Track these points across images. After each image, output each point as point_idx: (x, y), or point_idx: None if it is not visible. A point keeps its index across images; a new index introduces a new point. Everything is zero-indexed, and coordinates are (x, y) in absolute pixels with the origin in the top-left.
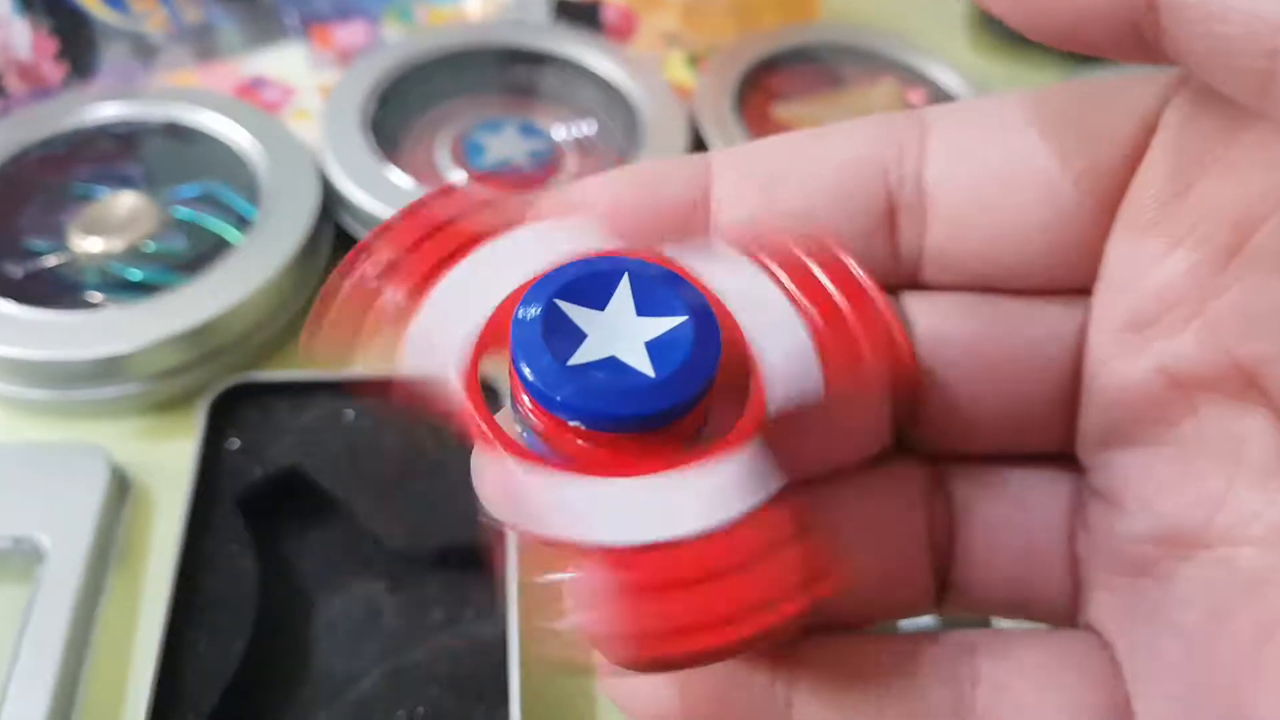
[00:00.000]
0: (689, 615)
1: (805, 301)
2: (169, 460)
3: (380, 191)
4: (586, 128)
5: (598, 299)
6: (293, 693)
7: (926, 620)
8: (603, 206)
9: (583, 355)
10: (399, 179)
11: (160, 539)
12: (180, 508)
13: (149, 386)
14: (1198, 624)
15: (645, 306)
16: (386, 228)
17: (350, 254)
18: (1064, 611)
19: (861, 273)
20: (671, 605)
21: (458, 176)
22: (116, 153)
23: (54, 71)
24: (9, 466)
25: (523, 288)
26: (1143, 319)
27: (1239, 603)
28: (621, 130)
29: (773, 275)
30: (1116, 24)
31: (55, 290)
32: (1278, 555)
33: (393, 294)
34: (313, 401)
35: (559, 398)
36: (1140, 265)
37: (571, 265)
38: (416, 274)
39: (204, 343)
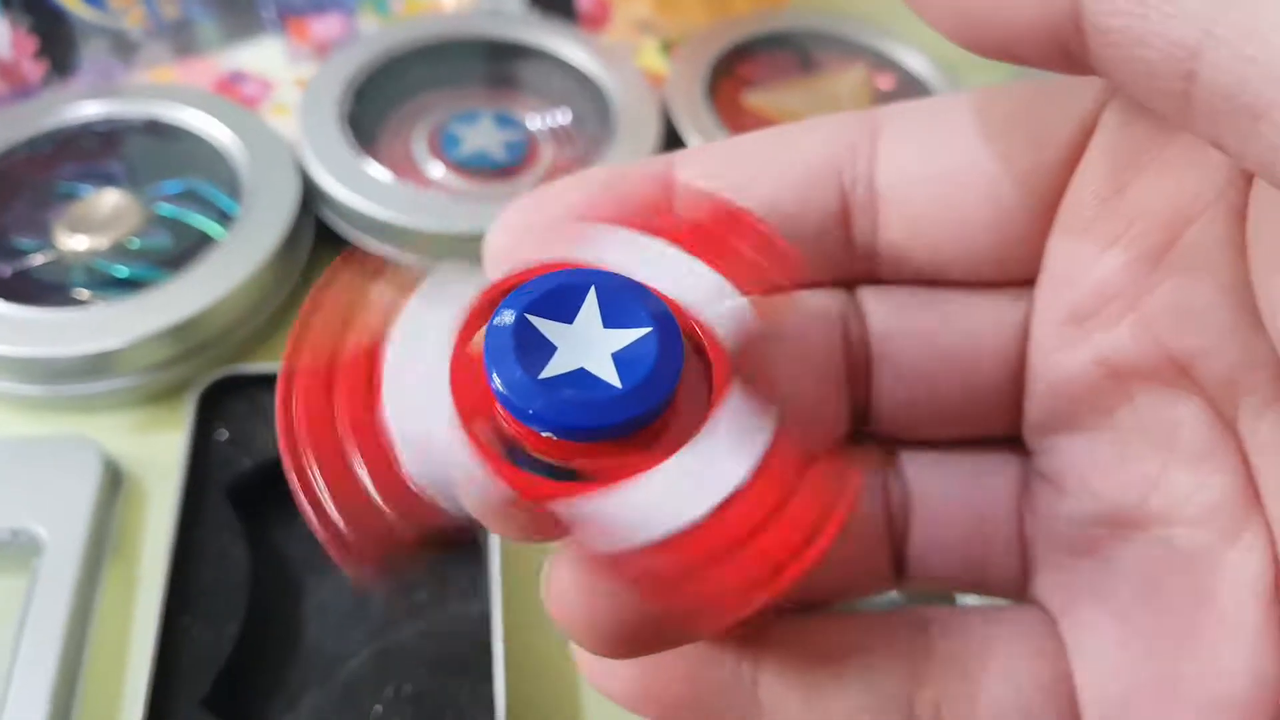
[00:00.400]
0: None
1: (679, 241)
2: (159, 452)
3: (359, 185)
4: (561, 117)
5: (566, 312)
6: (285, 674)
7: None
8: (564, 211)
9: (553, 368)
10: (377, 173)
11: (153, 529)
12: (171, 498)
13: (137, 381)
14: (1133, 601)
15: (611, 319)
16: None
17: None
18: (1015, 588)
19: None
20: (695, 585)
21: (435, 169)
22: (99, 151)
23: (34, 70)
24: (3, 461)
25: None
26: (1081, 313)
27: (1172, 581)
28: (596, 119)
29: (655, 237)
30: (1045, 43)
31: (43, 288)
32: (1209, 534)
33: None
34: None
35: (531, 411)
36: (1079, 262)
37: (541, 279)
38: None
39: (190, 337)
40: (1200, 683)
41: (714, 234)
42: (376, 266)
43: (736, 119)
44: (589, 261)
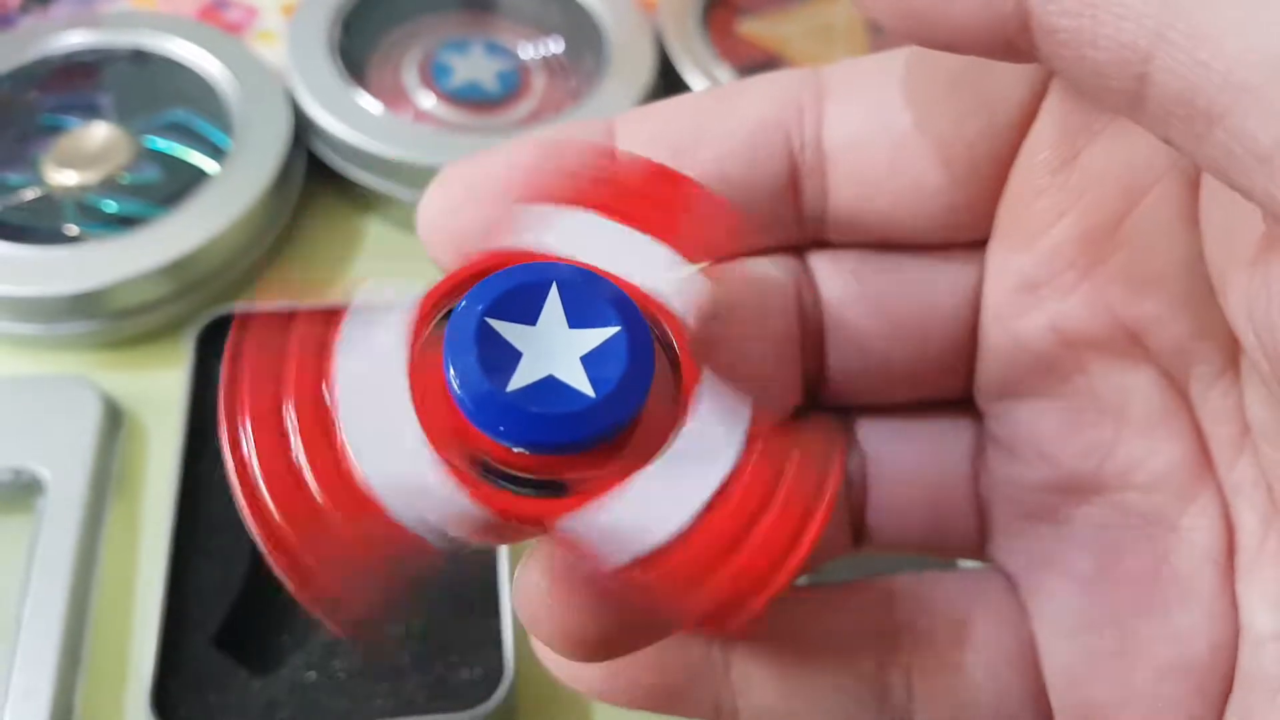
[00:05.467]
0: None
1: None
2: (157, 390)
3: (350, 117)
4: (554, 46)
5: (529, 313)
6: (293, 612)
7: None
8: (503, 182)
9: (521, 378)
10: (368, 104)
11: (155, 468)
12: (172, 437)
13: (132, 319)
14: (1090, 565)
15: (577, 318)
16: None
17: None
18: (975, 548)
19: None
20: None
21: (426, 99)
22: (84, 82)
23: None
24: (1, 401)
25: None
26: (1033, 281)
27: (1127, 545)
28: (589, 48)
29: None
30: (991, 40)
31: (33, 224)
32: (1162, 500)
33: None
34: None
35: (502, 428)
36: (1031, 230)
37: (498, 277)
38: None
39: (185, 275)
40: (1158, 648)
41: (657, 202)
42: (284, 318)
43: (731, 47)
44: (542, 251)
